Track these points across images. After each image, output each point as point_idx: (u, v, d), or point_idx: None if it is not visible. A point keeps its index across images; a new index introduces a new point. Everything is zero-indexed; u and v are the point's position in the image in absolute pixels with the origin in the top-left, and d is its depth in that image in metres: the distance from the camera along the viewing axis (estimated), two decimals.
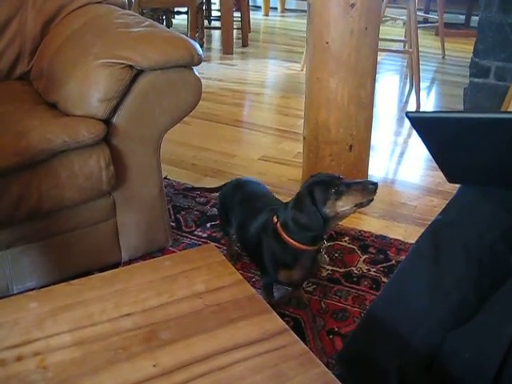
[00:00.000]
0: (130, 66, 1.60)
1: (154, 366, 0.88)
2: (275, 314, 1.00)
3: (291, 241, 1.49)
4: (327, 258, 1.55)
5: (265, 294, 1.66)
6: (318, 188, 1.42)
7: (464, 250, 1.14)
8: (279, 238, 1.51)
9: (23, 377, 0.86)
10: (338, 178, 1.43)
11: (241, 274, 1.79)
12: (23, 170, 1.49)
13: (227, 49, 5.04)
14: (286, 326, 0.97)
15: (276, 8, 7.40)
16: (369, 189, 1.38)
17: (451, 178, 1.18)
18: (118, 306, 1.02)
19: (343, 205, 1.40)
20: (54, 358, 0.90)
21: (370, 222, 2.23)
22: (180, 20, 6.15)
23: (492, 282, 1.10)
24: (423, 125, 1.01)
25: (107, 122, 1.64)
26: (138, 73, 1.63)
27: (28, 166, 1.50)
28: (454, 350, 1.09)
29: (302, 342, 0.94)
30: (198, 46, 1.70)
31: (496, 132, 0.92)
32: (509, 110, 2.88)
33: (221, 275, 1.11)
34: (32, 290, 1.67)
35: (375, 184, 1.38)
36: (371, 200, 1.40)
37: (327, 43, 2.13)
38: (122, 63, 1.59)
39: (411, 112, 0.97)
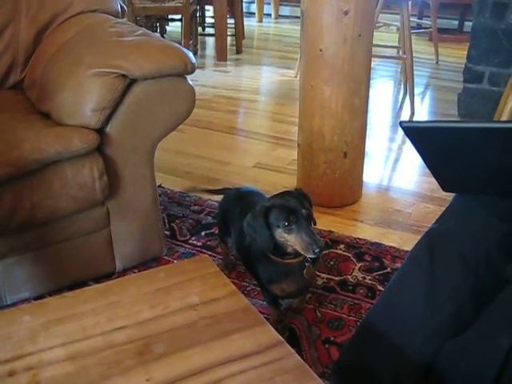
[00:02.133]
0: (123, 76, 1.59)
1: (148, 380, 0.87)
2: (270, 326, 0.99)
3: (272, 256, 1.49)
4: (312, 270, 1.53)
5: (272, 308, 1.64)
6: (274, 213, 1.42)
7: (460, 258, 1.14)
8: (264, 253, 1.51)
9: None
10: (298, 213, 1.40)
11: (236, 283, 1.81)
12: (16, 180, 1.49)
13: (221, 56, 5.04)
14: (281, 338, 0.96)
15: (270, 14, 7.40)
16: (312, 249, 1.36)
17: (446, 187, 1.17)
18: (112, 318, 1.02)
19: (288, 240, 1.41)
20: (47, 372, 0.89)
21: (365, 230, 2.22)
22: (174, 27, 6.15)
23: (488, 291, 1.09)
24: (417, 134, 1.01)
25: (100, 131, 1.63)
26: (132, 82, 1.63)
27: (21, 176, 1.49)
28: (450, 360, 1.09)
29: (297, 355, 0.93)
30: (191, 55, 1.69)
31: (491, 141, 0.92)
32: (503, 115, 2.88)
33: (215, 286, 1.10)
34: (26, 300, 1.67)
35: (320, 251, 1.37)
36: (310, 260, 1.45)
37: (321, 50, 2.13)
38: (115, 72, 1.58)
39: (405, 122, 0.96)
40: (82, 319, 1.01)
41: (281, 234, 1.41)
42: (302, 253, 1.40)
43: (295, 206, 1.41)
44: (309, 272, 1.50)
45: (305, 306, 1.73)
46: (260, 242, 1.46)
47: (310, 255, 1.40)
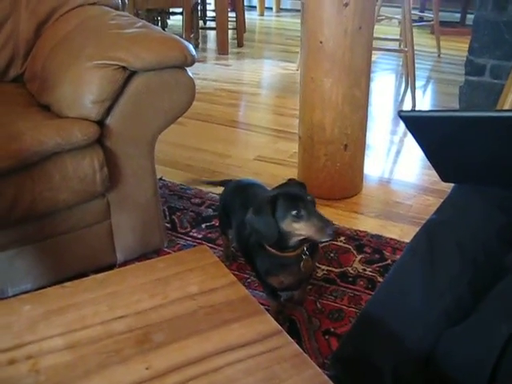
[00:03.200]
0: (124, 68, 1.59)
1: (147, 368, 0.88)
2: (268, 315, 1.00)
3: (269, 248, 1.48)
4: (310, 262, 1.53)
5: (271, 299, 1.65)
6: (282, 202, 1.39)
7: (458, 249, 1.14)
8: (262, 245, 1.50)
9: (15, 381, 0.86)
10: (305, 200, 1.39)
11: (236, 274, 1.81)
12: (16, 172, 1.49)
13: (222, 49, 5.04)
14: (280, 327, 0.97)
15: (271, 8, 7.39)
16: (325, 231, 1.35)
17: (445, 177, 1.17)
18: (111, 308, 1.02)
19: (298, 229, 1.38)
20: (47, 361, 0.90)
21: (365, 222, 2.22)
22: (175, 21, 6.15)
23: (486, 281, 1.09)
24: (416, 124, 1.01)
25: (101, 123, 1.63)
26: (132, 74, 1.63)
27: (21, 168, 1.49)
28: (449, 350, 1.09)
29: (295, 344, 0.94)
30: (191, 47, 1.69)
31: (489, 130, 0.92)
32: (504, 107, 2.88)
33: (214, 277, 1.10)
34: (28, 292, 1.67)
35: (333, 231, 1.35)
36: (324, 241, 1.40)
37: (321, 43, 2.13)
38: (116, 64, 1.58)
39: (404, 111, 0.96)
40: (82, 309, 1.02)
41: (289, 225, 1.38)
42: (316, 238, 1.38)
43: (301, 193, 1.41)
44: (306, 265, 1.50)
45: (306, 298, 1.73)
46: (265, 234, 1.43)
47: (324, 239, 1.38)
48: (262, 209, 1.41)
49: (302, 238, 1.42)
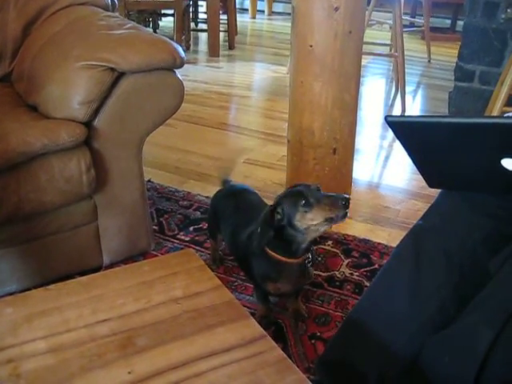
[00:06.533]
0: (112, 69, 1.59)
1: (129, 372, 0.87)
2: (253, 319, 0.99)
3: (272, 253, 1.47)
4: (312, 272, 1.53)
5: (260, 303, 1.65)
6: (287, 201, 1.39)
7: (445, 255, 1.14)
8: (262, 251, 1.49)
9: None
10: (309, 189, 1.38)
11: (223, 277, 1.81)
12: (2, 173, 1.47)
13: (213, 51, 5.03)
14: (264, 331, 0.96)
15: (263, 11, 7.40)
16: (339, 204, 1.33)
17: (432, 183, 1.18)
18: (95, 311, 1.01)
19: (313, 218, 1.36)
20: (28, 365, 0.89)
21: (353, 226, 2.22)
22: (167, 22, 6.14)
23: (472, 288, 1.09)
24: (403, 129, 1.01)
25: (88, 124, 1.62)
26: (120, 75, 1.62)
27: (7, 169, 1.48)
28: (434, 355, 1.09)
29: (279, 349, 0.93)
30: (180, 49, 1.69)
31: (476, 136, 0.92)
32: (492, 114, 2.89)
33: (199, 280, 1.10)
34: (12, 294, 1.66)
35: (346, 200, 1.33)
36: (344, 216, 1.34)
37: (311, 46, 2.12)
38: (103, 65, 1.57)
39: (391, 116, 0.96)
40: (65, 312, 1.01)
41: (302, 218, 1.36)
42: (333, 215, 1.34)
43: (302, 187, 1.40)
44: (310, 273, 1.51)
45: (303, 308, 1.71)
46: (260, 236, 1.42)
47: (342, 213, 1.33)
48: (265, 216, 1.42)
49: (322, 227, 1.39)
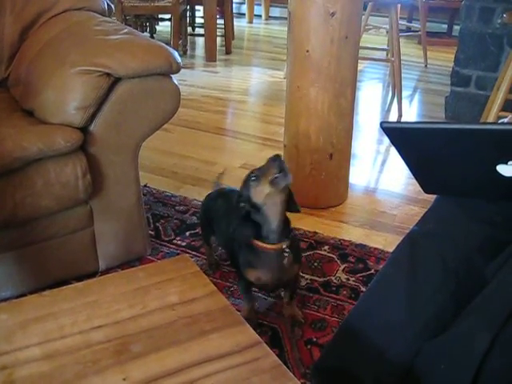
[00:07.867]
0: (108, 74, 1.59)
1: (124, 379, 0.87)
2: (248, 326, 0.99)
3: (254, 241, 1.51)
4: (295, 266, 1.56)
5: (245, 301, 1.66)
6: (243, 186, 1.50)
7: (441, 261, 1.14)
8: (248, 239, 1.53)
9: None
10: (260, 167, 1.46)
11: (219, 283, 1.80)
12: None
13: (210, 56, 5.03)
14: (259, 338, 0.96)
15: (260, 15, 7.41)
16: (273, 164, 1.40)
17: (427, 189, 1.17)
18: (90, 317, 1.01)
19: (262, 188, 1.43)
20: (22, 371, 0.89)
21: (349, 231, 2.22)
22: (164, 27, 6.13)
23: (468, 294, 1.09)
24: (398, 135, 1.01)
25: (84, 130, 1.62)
26: (116, 81, 1.62)
27: (3, 174, 1.47)
28: (429, 362, 1.09)
29: (274, 355, 0.93)
30: (176, 54, 1.69)
31: (472, 143, 0.92)
32: (488, 119, 2.90)
33: (194, 286, 1.09)
34: (7, 299, 1.65)
35: (276, 157, 1.42)
36: (282, 172, 1.40)
37: (307, 51, 2.13)
38: (100, 71, 1.57)
39: (386, 122, 0.97)
40: (60, 318, 1.01)
41: (255, 191, 1.44)
42: (274, 176, 1.40)
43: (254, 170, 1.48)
44: (288, 261, 1.52)
45: (298, 311, 1.71)
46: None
47: (276, 169, 1.40)
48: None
49: (276, 196, 1.44)
